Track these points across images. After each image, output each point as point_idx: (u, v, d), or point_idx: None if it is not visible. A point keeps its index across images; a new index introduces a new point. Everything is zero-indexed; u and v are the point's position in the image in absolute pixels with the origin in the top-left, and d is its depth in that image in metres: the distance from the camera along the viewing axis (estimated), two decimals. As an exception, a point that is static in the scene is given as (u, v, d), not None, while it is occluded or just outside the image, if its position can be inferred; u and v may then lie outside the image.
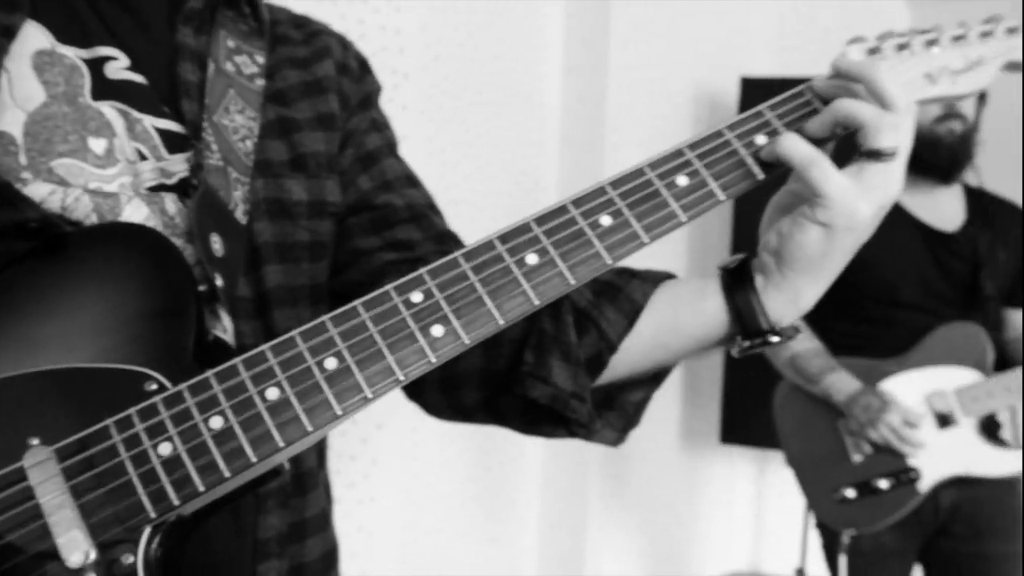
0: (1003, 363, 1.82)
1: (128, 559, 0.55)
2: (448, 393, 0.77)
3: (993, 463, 1.77)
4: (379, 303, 0.61)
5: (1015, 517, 1.82)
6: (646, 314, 0.72)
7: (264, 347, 0.60)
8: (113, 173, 0.67)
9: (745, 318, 0.68)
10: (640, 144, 2.63)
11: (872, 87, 0.63)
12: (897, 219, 1.82)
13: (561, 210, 0.63)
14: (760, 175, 0.65)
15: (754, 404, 2.10)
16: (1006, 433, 1.86)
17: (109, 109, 0.68)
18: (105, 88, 0.69)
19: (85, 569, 0.54)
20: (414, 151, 2.34)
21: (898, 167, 0.64)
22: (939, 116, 1.74)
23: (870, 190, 0.63)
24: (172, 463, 0.56)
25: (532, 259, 0.62)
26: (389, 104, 2.58)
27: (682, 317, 0.71)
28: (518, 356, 0.73)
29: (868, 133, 0.63)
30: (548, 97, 2.65)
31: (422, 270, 0.62)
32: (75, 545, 0.55)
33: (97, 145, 0.67)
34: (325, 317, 0.61)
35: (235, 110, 0.73)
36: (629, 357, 0.73)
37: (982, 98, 1.80)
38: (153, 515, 0.56)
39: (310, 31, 0.84)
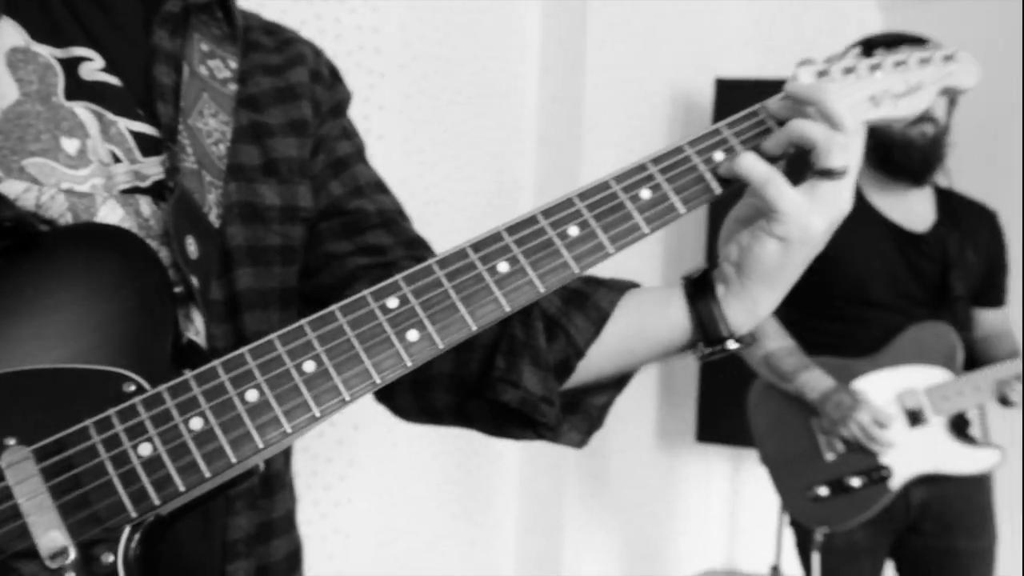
0: (972, 362, 1.85)
1: (108, 558, 0.56)
2: (419, 395, 0.79)
3: (962, 461, 1.80)
4: (356, 308, 0.63)
5: (984, 514, 1.86)
6: (612, 321, 0.75)
7: (243, 350, 0.61)
8: (85, 174, 0.67)
9: (707, 326, 0.71)
10: (617, 144, 2.65)
11: (823, 109, 0.67)
12: (868, 219, 1.85)
13: (531, 220, 0.66)
14: (718, 190, 0.68)
15: (730, 403, 2.12)
16: (975, 431, 1.90)
17: (83, 110, 0.68)
18: (79, 88, 0.69)
19: (65, 569, 0.55)
20: (391, 151, 2.36)
21: (847, 185, 0.68)
22: (912, 119, 1.77)
23: (822, 206, 0.67)
24: (152, 463, 0.57)
25: (503, 267, 0.64)
26: (366, 104, 2.59)
27: (647, 324, 0.74)
28: (489, 361, 0.75)
29: (820, 153, 0.67)
30: (525, 97, 2.66)
31: (397, 276, 0.64)
32: (55, 545, 0.55)
33: (70, 145, 0.67)
34: (303, 321, 0.62)
35: (208, 114, 0.74)
36: (595, 362, 0.76)
37: (952, 101, 1.83)
38: (134, 515, 0.57)
39: (283, 38, 0.85)
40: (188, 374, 0.60)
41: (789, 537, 1.97)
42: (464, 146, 2.51)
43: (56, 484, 0.57)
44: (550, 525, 2.63)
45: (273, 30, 0.86)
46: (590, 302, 0.75)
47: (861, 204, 1.85)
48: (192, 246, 0.68)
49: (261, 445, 0.59)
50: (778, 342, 1.81)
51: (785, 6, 2.90)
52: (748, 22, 2.90)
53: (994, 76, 2.51)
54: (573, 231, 0.66)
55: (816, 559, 1.82)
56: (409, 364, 0.62)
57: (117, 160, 0.69)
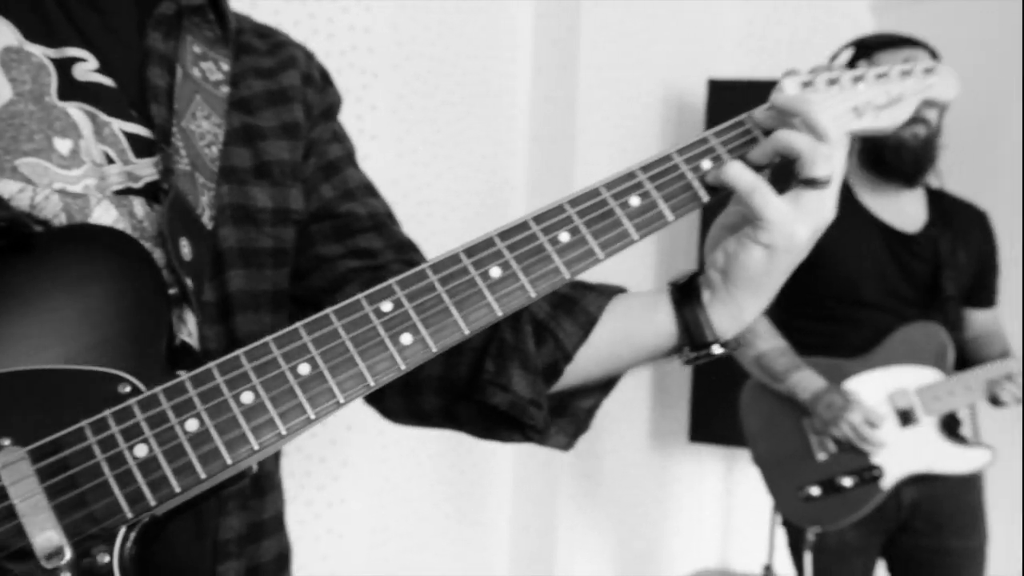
0: (963, 362, 1.86)
1: (104, 559, 0.57)
2: (408, 398, 0.80)
3: (953, 461, 1.81)
4: (351, 312, 0.63)
5: (975, 513, 1.87)
6: (600, 326, 0.76)
7: (238, 352, 0.62)
8: (78, 174, 0.68)
9: (693, 331, 0.73)
10: (610, 144, 2.66)
11: (808, 121, 0.69)
12: (860, 220, 1.86)
13: (523, 226, 0.67)
14: (705, 198, 0.70)
15: (722, 403, 2.13)
16: (966, 431, 1.92)
17: (76, 110, 0.69)
18: (72, 89, 0.69)
19: (60, 569, 0.56)
20: (384, 150, 2.36)
21: (831, 194, 0.70)
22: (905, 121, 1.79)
23: (806, 214, 0.69)
24: (148, 464, 0.58)
25: (496, 272, 0.65)
26: (359, 104, 2.60)
27: (634, 329, 0.75)
28: (479, 364, 0.77)
29: (804, 163, 0.68)
30: (518, 97, 2.67)
31: (391, 281, 0.65)
32: (50, 545, 0.56)
33: (63, 145, 0.68)
34: (298, 324, 0.63)
35: (201, 116, 0.75)
36: (583, 366, 0.77)
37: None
38: (130, 515, 0.57)
39: (275, 42, 0.86)
40: (184, 376, 0.61)
41: (782, 537, 1.98)
42: (457, 146, 2.52)
43: (52, 485, 0.57)
44: (543, 525, 2.64)
45: (265, 33, 0.87)
46: (578, 307, 0.77)
47: (853, 205, 1.87)
48: (186, 248, 0.69)
49: (256, 447, 0.60)
50: (770, 342, 1.82)
51: (777, 7, 2.91)
52: (741, 23, 2.91)
53: (986, 77, 2.53)
54: (564, 237, 0.67)
55: (808, 559, 1.83)
56: (403, 367, 0.63)
57: (110, 161, 0.69)
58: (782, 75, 0.75)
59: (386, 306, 0.64)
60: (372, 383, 0.63)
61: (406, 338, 0.63)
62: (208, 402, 0.60)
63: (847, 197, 1.87)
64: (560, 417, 0.80)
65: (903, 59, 1.79)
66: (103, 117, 0.69)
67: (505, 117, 2.64)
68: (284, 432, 0.61)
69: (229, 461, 0.59)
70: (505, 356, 0.75)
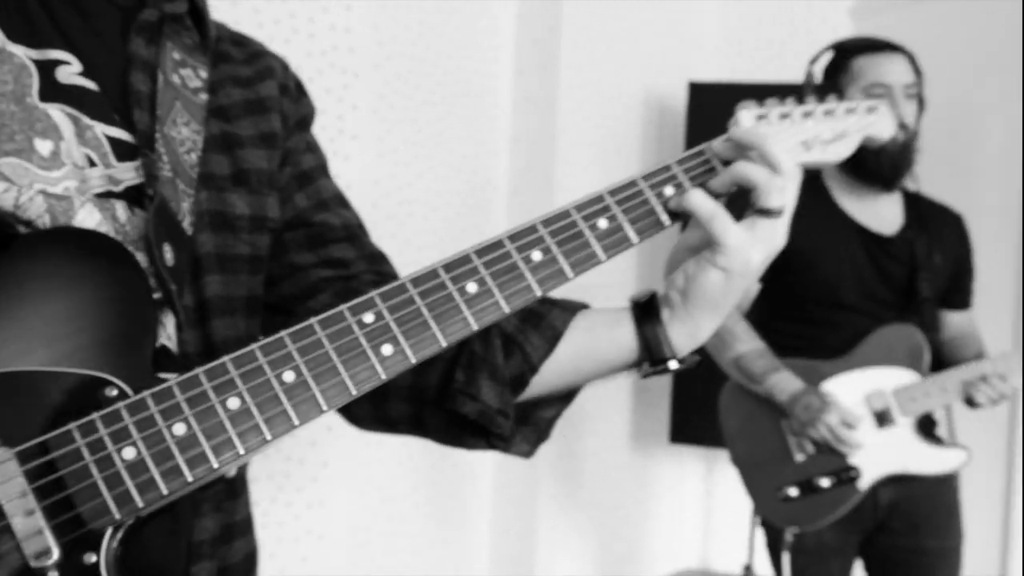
0: (939, 363, 1.89)
1: (91, 559, 0.59)
2: (376, 405, 0.83)
3: (929, 461, 1.84)
4: (334, 322, 0.67)
5: (950, 513, 1.89)
6: (564, 340, 0.80)
7: (225, 359, 0.64)
8: (58, 176, 0.69)
9: (652, 347, 0.77)
10: (591, 145, 2.69)
11: (764, 154, 0.74)
12: (838, 223, 1.89)
13: (498, 244, 0.71)
14: (668, 222, 0.75)
15: (703, 404, 2.15)
16: (942, 432, 1.95)
17: (57, 112, 0.70)
18: (55, 91, 0.70)
19: (48, 568, 0.58)
20: (365, 150, 2.37)
21: (783, 223, 0.75)
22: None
23: (760, 241, 0.74)
24: (136, 467, 0.60)
25: (472, 288, 0.69)
26: (340, 104, 2.60)
27: (597, 344, 0.80)
28: (449, 374, 0.80)
29: (760, 194, 0.73)
30: (499, 97, 2.68)
31: (373, 293, 0.68)
32: (38, 545, 0.58)
33: (43, 147, 0.69)
34: (283, 333, 0.66)
35: (181, 122, 0.76)
36: (547, 378, 0.81)
37: (921, 106, 1.88)
38: (118, 517, 0.59)
39: (251, 51, 0.88)
40: (171, 381, 0.63)
41: (761, 537, 2.01)
42: (438, 146, 2.53)
43: (40, 486, 0.59)
44: (524, 526, 2.66)
45: (241, 41, 0.89)
46: (545, 322, 0.80)
47: (831, 208, 1.90)
48: (168, 253, 0.71)
49: (242, 451, 0.63)
50: (748, 344, 1.84)
51: (757, 11, 2.95)
52: (721, 26, 2.95)
53: (964, 80, 2.58)
54: (536, 256, 0.71)
55: (786, 559, 1.84)
56: (383, 376, 0.67)
57: (92, 164, 0.70)
58: (737, 107, 0.79)
59: (368, 317, 0.67)
60: (354, 392, 0.66)
61: (387, 349, 0.67)
62: (195, 407, 0.63)
63: (825, 200, 1.90)
64: (523, 426, 0.84)
65: (880, 65, 1.82)
66: (86, 120, 0.71)
67: (486, 117, 2.65)
68: (269, 437, 0.64)
69: (216, 465, 0.62)
70: (475, 367, 0.79)
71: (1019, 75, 2.46)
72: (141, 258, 0.70)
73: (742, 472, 1.90)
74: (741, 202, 0.76)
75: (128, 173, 0.72)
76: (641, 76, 2.79)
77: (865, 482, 1.80)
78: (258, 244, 0.80)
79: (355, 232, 0.89)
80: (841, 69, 1.87)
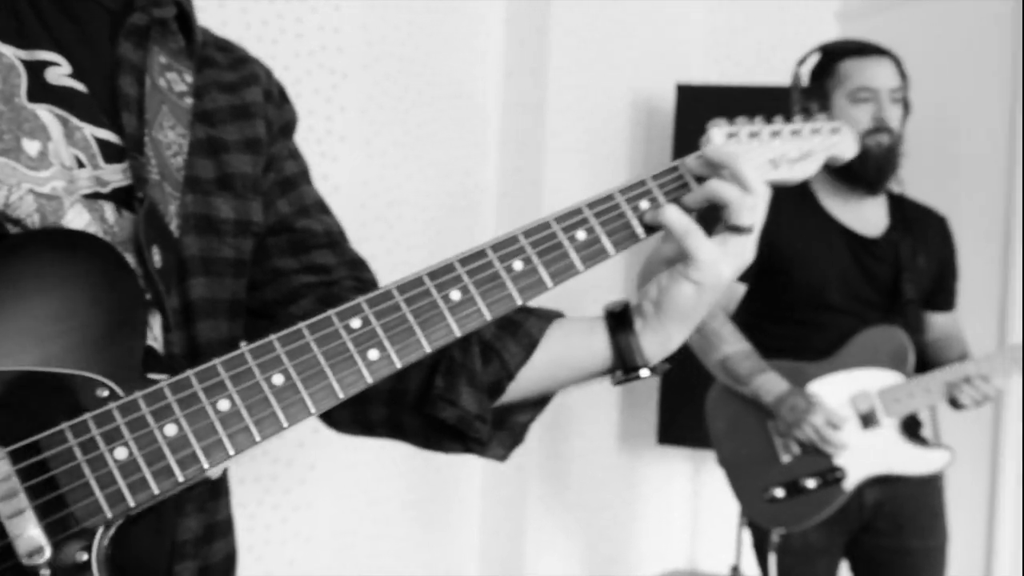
0: (924, 365, 1.91)
1: (83, 557, 0.60)
2: (356, 408, 0.85)
3: (914, 462, 1.86)
4: (322, 327, 0.69)
5: (934, 514, 1.91)
6: (541, 348, 0.83)
7: (215, 361, 0.66)
8: (46, 176, 0.70)
9: (625, 356, 0.80)
10: (579, 147, 2.70)
11: (736, 174, 0.77)
12: (823, 225, 1.91)
13: (481, 254, 0.73)
14: (643, 236, 0.78)
15: (691, 405, 2.17)
16: (927, 433, 1.98)
17: (46, 113, 0.71)
18: (44, 92, 0.71)
19: (40, 566, 0.59)
20: (354, 152, 2.39)
21: (753, 239, 0.78)
22: (869, 129, 1.83)
23: (731, 256, 0.77)
24: (128, 467, 0.62)
25: (456, 295, 0.72)
26: (328, 104, 2.61)
27: (571, 352, 0.83)
28: (429, 380, 0.83)
29: (732, 211, 0.77)
30: (488, 99, 2.70)
31: (360, 299, 0.70)
32: (31, 543, 0.59)
33: (31, 147, 0.69)
34: (272, 336, 0.68)
35: (167, 126, 0.78)
36: (524, 384, 0.83)
37: (906, 110, 1.90)
38: (109, 515, 0.61)
39: (236, 57, 0.90)
40: (162, 383, 0.64)
41: (748, 537, 2.02)
42: (427, 147, 2.54)
43: (33, 485, 0.60)
44: (513, 527, 2.67)
45: (225, 47, 0.90)
46: (522, 330, 0.83)
47: (816, 210, 1.92)
48: (157, 255, 0.72)
49: (232, 452, 0.65)
50: (735, 346, 1.85)
51: (745, 15, 2.98)
52: (709, 29, 2.98)
53: (946, 83, 2.61)
54: (518, 266, 0.74)
55: (772, 560, 1.86)
56: (369, 380, 0.69)
57: (81, 165, 0.72)
58: (709, 124, 0.83)
59: (355, 323, 0.69)
60: (341, 395, 0.68)
61: (373, 353, 0.69)
62: (186, 408, 0.64)
63: (811, 203, 1.93)
64: (499, 430, 0.86)
65: (866, 68, 1.84)
66: (75, 122, 0.72)
67: (475, 119, 2.67)
68: (258, 439, 0.66)
69: (206, 465, 0.64)
70: (454, 373, 0.81)
71: (1004, 78, 2.49)
72: (129, 259, 0.71)
73: (729, 473, 1.91)
74: (711, 216, 0.79)
75: (116, 175, 0.73)
76: (629, 78, 2.81)
77: (850, 483, 1.82)
78: (242, 248, 0.82)
79: (336, 238, 0.91)
80: (827, 72, 1.89)
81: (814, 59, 1.95)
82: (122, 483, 0.62)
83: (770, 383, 1.82)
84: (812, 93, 1.91)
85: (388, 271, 2.77)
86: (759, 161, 0.82)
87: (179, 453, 0.63)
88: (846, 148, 0.87)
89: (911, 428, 1.90)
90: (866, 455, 1.83)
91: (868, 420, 1.83)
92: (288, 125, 0.92)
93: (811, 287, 1.89)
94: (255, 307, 0.85)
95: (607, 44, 2.73)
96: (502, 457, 0.87)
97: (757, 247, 2.12)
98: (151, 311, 0.72)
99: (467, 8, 2.61)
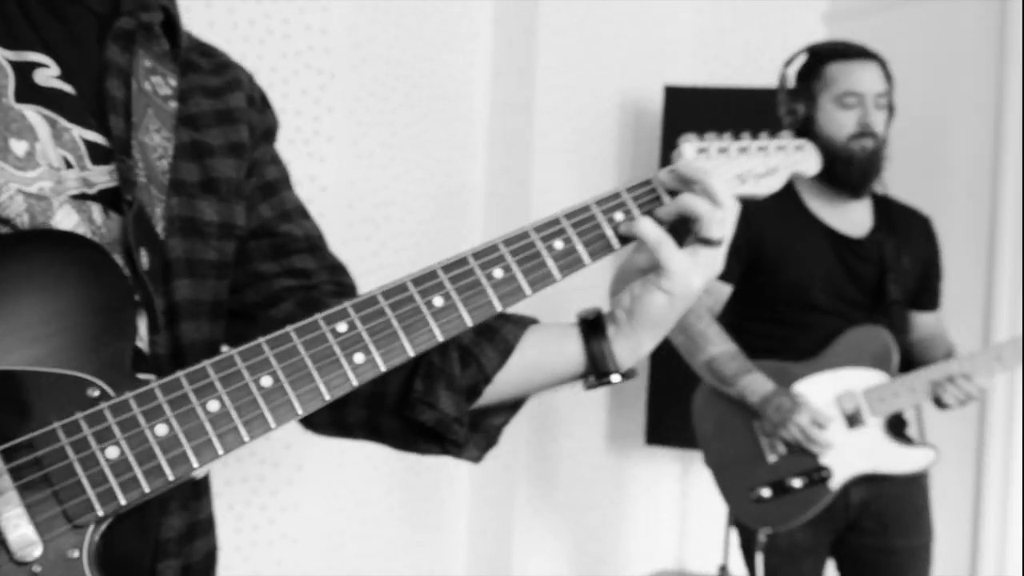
0: (909, 364, 1.93)
1: (74, 554, 0.62)
2: (335, 410, 0.87)
3: (899, 461, 1.88)
4: (309, 331, 0.71)
5: (919, 513, 1.94)
6: (516, 353, 0.86)
7: (205, 363, 0.68)
8: (33, 176, 0.71)
9: (598, 361, 0.83)
10: (567, 148, 2.72)
11: (706, 189, 0.80)
12: (808, 226, 1.93)
13: (463, 261, 0.76)
14: (617, 246, 0.81)
15: (678, 406, 2.18)
16: (912, 432, 2.00)
17: (33, 113, 0.72)
18: (32, 93, 0.73)
19: (33, 563, 0.60)
20: (342, 152, 2.40)
21: (722, 252, 0.82)
22: (854, 134, 1.86)
23: (700, 267, 0.81)
24: (119, 466, 0.63)
25: (439, 302, 0.75)
26: (316, 105, 2.61)
27: (546, 357, 0.86)
28: (409, 383, 0.85)
29: (702, 225, 0.80)
30: (476, 100, 2.71)
31: (346, 304, 0.73)
32: (24, 541, 0.61)
33: (18, 147, 0.71)
34: (261, 339, 0.70)
35: (153, 129, 0.79)
36: (500, 388, 0.86)
37: (891, 113, 1.92)
38: (101, 513, 0.63)
39: (218, 62, 0.91)
40: (153, 383, 0.66)
41: (736, 537, 2.04)
42: (415, 148, 2.55)
43: (25, 484, 0.62)
44: (501, 528, 2.68)
45: (208, 52, 0.92)
46: (499, 335, 0.86)
47: (801, 211, 1.94)
48: (144, 257, 0.74)
49: (221, 451, 0.67)
50: (720, 347, 1.87)
51: (732, 17, 3.00)
52: (696, 31, 3.00)
53: (932, 85, 2.64)
54: (498, 274, 0.77)
55: (760, 559, 1.87)
56: (355, 383, 0.72)
57: (69, 166, 0.73)
58: (680, 140, 0.87)
59: (341, 327, 0.72)
60: (328, 397, 0.70)
61: (359, 357, 0.72)
62: (177, 409, 0.67)
63: (795, 203, 1.95)
64: (474, 433, 0.89)
65: (853, 72, 1.86)
66: (63, 123, 0.73)
67: (463, 120, 2.68)
68: (247, 439, 0.68)
69: (196, 464, 0.65)
70: (433, 377, 0.84)
71: (989, 80, 2.53)
72: (118, 261, 0.72)
73: (715, 474, 1.92)
74: (681, 229, 0.82)
75: (102, 176, 0.74)
76: (617, 80, 2.83)
77: (836, 482, 1.84)
78: (225, 250, 0.84)
79: (316, 243, 0.93)
80: (814, 74, 1.91)
81: (801, 60, 1.97)
82: (114, 482, 0.63)
83: (756, 383, 1.84)
84: (798, 94, 1.93)
85: (376, 271, 2.81)
86: (728, 176, 0.86)
87: (170, 453, 0.65)
88: (809, 165, 0.91)
89: (896, 427, 1.92)
90: (852, 454, 1.85)
91: (853, 419, 1.85)
92: (270, 130, 0.94)
93: (796, 287, 1.91)
94: (235, 309, 0.87)
95: (595, 45, 2.75)
96: (476, 459, 0.90)
97: (743, 248, 2.15)
98: (138, 312, 0.74)
99: (455, 9, 2.63)
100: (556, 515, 2.77)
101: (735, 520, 1.98)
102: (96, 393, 0.65)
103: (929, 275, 2.02)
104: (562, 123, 2.69)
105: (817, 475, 1.83)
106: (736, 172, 0.88)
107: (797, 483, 1.83)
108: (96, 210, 0.73)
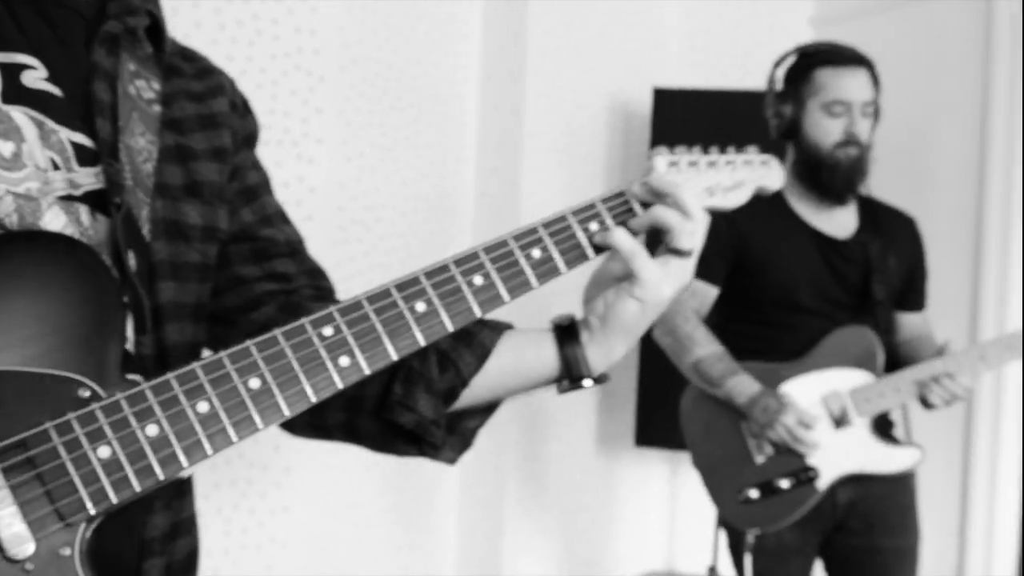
0: (895, 365, 1.96)
1: (66, 551, 0.64)
2: (313, 412, 0.90)
3: (885, 460, 1.90)
4: (296, 334, 0.74)
5: (904, 513, 1.96)
6: (493, 357, 0.88)
7: (194, 365, 0.70)
8: (20, 177, 0.72)
9: (571, 366, 0.86)
10: (557, 150, 2.74)
11: (677, 202, 0.84)
12: (794, 228, 1.96)
13: (444, 268, 0.79)
14: (592, 256, 0.84)
15: (668, 407, 2.19)
16: (899, 432, 2.02)
17: (20, 115, 0.73)
18: (19, 94, 0.74)
19: (26, 561, 0.62)
20: (331, 155, 2.41)
21: (691, 262, 0.85)
22: (839, 142, 1.88)
23: (672, 277, 0.84)
24: (111, 465, 0.65)
25: (421, 307, 0.78)
26: (305, 107, 2.62)
27: (521, 362, 0.89)
28: (388, 386, 0.88)
29: (673, 236, 0.84)
30: (466, 102, 2.72)
31: (332, 308, 0.75)
32: (17, 539, 0.63)
33: (5, 148, 0.72)
34: (249, 342, 0.72)
35: (138, 132, 0.81)
36: (476, 391, 0.89)
37: (877, 118, 1.95)
38: (93, 512, 0.64)
39: (201, 67, 0.93)
40: (144, 385, 0.68)
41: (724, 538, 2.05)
42: (405, 151, 2.57)
43: (18, 483, 0.63)
44: (490, 529, 2.69)
45: (190, 56, 0.94)
46: (476, 340, 0.89)
47: (786, 213, 1.97)
48: (132, 260, 0.76)
49: (210, 452, 0.69)
50: (707, 348, 1.89)
51: (720, 20, 3.03)
52: (685, 34, 3.02)
53: (918, 87, 2.66)
54: (478, 280, 0.80)
55: (748, 560, 1.89)
56: (340, 386, 0.74)
57: (56, 167, 0.74)
58: (652, 153, 0.91)
59: (327, 331, 0.74)
60: (314, 399, 0.73)
61: (344, 360, 0.74)
62: (168, 410, 0.69)
63: (781, 205, 1.97)
64: (450, 435, 0.92)
65: (841, 79, 1.88)
66: (51, 124, 0.75)
67: (453, 123, 2.69)
68: (235, 440, 0.70)
69: (186, 464, 0.68)
70: (412, 381, 0.87)
71: (975, 82, 2.56)
72: (107, 262, 0.74)
73: (704, 475, 1.94)
74: (652, 240, 0.86)
75: (88, 178, 0.76)
76: (607, 82, 2.85)
77: (823, 482, 1.86)
78: (208, 253, 0.86)
79: (297, 248, 0.95)
80: (803, 78, 1.93)
81: (790, 62, 1.99)
82: (105, 481, 0.65)
83: (742, 385, 1.86)
84: (786, 97, 1.95)
85: (366, 272, 2.82)
86: (697, 189, 0.90)
87: (160, 453, 0.67)
88: (773, 180, 0.95)
89: (882, 427, 1.94)
90: (838, 454, 1.87)
91: (840, 420, 1.87)
92: (251, 136, 0.96)
93: (782, 289, 1.93)
94: (216, 312, 0.89)
95: (584, 47, 2.77)
96: (452, 460, 0.93)
97: (729, 250, 2.17)
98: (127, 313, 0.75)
99: (445, 11, 2.64)
100: (546, 516, 2.79)
101: (723, 521, 2.00)
102: (87, 394, 0.67)
103: (914, 276, 2.04)
104: (552, 125, 2.71)
105: (804, 475, 1.85)
106: (705, 185, 0.91)
107: (785, 484, 1.85)
108: (83, 211, 0.75)
